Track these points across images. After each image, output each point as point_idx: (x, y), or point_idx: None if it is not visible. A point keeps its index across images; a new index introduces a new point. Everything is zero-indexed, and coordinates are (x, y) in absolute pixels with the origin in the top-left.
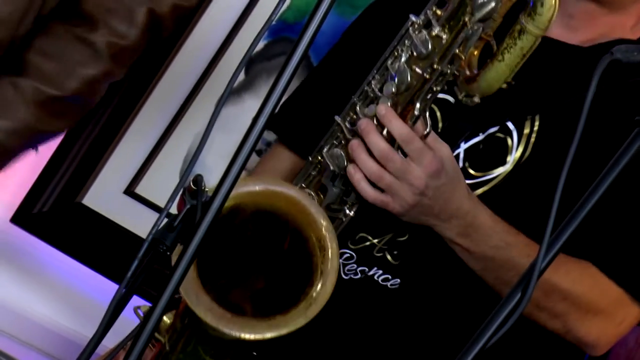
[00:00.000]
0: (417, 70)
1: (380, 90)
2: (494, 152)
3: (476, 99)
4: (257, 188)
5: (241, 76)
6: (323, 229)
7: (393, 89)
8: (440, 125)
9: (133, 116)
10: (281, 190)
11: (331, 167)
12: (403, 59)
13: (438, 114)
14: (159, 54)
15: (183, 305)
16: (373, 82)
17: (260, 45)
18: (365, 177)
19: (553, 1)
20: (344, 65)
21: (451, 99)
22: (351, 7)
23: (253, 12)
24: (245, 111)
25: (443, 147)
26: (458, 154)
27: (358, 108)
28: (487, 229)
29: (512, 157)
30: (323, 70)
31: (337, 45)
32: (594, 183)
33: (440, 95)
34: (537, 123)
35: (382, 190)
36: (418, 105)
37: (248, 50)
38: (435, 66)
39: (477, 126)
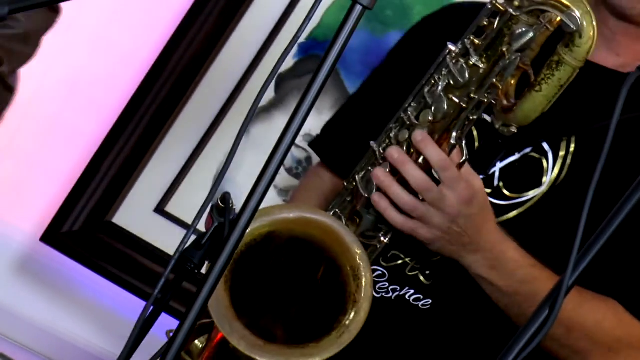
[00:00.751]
0: (454, 99)
1: (417, 118)
2: (529, 173)
3: (513, 129)
4: (292, 215)
5: (272, 94)
6: (357, 258)
7: (430, 117)
8: (476, 144)
9: (163, 135)
10: (316, 218)
11: (365, 195)
12: (440, 87)
13: (475, 132)
14: (188, 72)
15: (217, 334)
16: (409, 109)
17: (291, 63)
18: (392, 204)
19: (591, 33)
20: (386, 88)
21: (488, 118)
22: (382, 24)
23: (283, 29)
24: (275, 129)
25: (476, 179)
26: (493, 173)
27: (393, 134)
28: (514, 262)
29: (548, 179)
30: (365, 92)
31: (380, 67)
32: (621, 200)
33: None
34: (572, 145)
35: (410, 217)
36: (454, 134)
37: (274, 68)
38: (472, 95)
39: (513, 146)
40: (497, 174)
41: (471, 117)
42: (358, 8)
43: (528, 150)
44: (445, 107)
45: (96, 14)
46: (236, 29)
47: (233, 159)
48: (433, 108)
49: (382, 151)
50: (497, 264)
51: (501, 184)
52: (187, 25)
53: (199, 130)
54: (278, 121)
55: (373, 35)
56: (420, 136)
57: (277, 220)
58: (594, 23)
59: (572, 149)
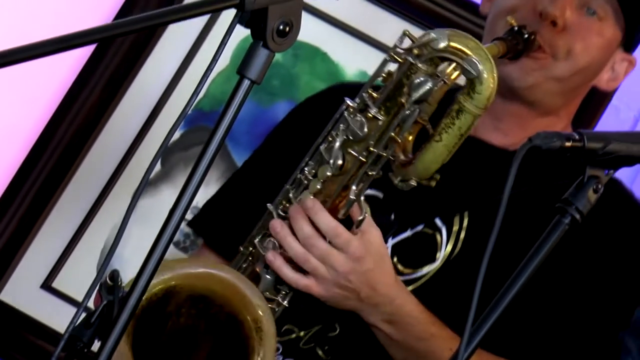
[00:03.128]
0: (353, 153)
1: (315, 175)
2: (423, 248)
3: (412, 182)
4: (193, 270)
5: (157, 167)
6: (259, 310)
7: (328, 172)
8: None
9: (49, 210)
10: (217, 273)
11: (264, 254)
12: (338, 143)
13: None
14: (74, 146)
15: None
16: (306, 168)
17: (176, 134)
18: (287, 262)
19: (491, 80)
20: (268, 167)
21: (380, 194)
22: (269, 94)
23: (169, 101)
24: (162, 203)
25: (374, 232)
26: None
27: (291, 195)
28: (412, 318)
29: (442, 254)
30: (247, 171)
31: (262, 146)
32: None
33: (369, 192)
34: (466, 220)
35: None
36: (354, 188)
37: (164, 142)
38: (371, 149)
39: (405, 222)
40: (389, 251)
41: (369, 173)
42: (246, 82)
43: (420, 227)
44: (345, 162)
45: None
46: (122, 100)
47: (122, 235)
48: (331, 163)
49: (279, 212)
50: (395, 318)
51: (395, 259)
52: (72, 98)
53: (85, 205)
54: (165, 194)
55: (260, 105)
56: (310, 203)
57: (179, 275)
58: (494, 71)
59: (465, 223)
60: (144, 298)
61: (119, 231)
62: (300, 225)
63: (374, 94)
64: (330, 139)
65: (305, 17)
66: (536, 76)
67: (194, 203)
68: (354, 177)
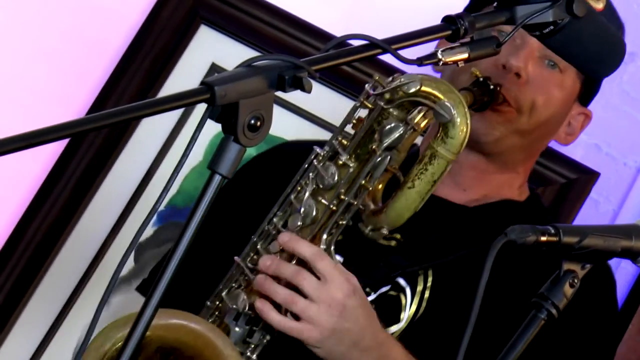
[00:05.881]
0: (323, 201)
1: (285, 225)
2: (388, 310)
3: (384, 231)
4: (162, 321)
5: (131, 263)
6: None
7: (299, 222)
8: None
9: (21, 308)
10: (187, 324)
11: (234, 307)
12: (308, 192)
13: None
14: (46, 242)
15: None
16: (275, 219)
17: (150, 231)
18: (275, 307)
19: (465, 123)
20: (218, 229)
21: (340, 258)
22: None
23: (142, 196)
24: (136, 300)
25: (352, 276)
26: None
27: (259, 246)
28: None
29: (406, 315)
30: (199, 235)
31: (210, 209)
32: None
33: None
34: (430, 278)
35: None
36: (325, 237)
37: (134, 238)
38: (342, 197)
39: (370, 285)
40: None
41: (340, 222)
42: (217, 178)
43: (386, 289)
44: (314, 211)
45: None
46: (94, 196)
47: (94, 331)
48: (302, 212)
49: (249, 265)
50: None
51: None
52: (44, 194)
53: (58, 303)
54: None
55: None
56: (287, 237)
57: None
58: (467, 115)
59: (429, 282)
60: (113, 349)
61: (89, 329)
62: (283, 267)
63: (344, 141)
64: (300, 188)
65: (277, 110)
66: (501, 130)
67: None
68: (324, 226)
